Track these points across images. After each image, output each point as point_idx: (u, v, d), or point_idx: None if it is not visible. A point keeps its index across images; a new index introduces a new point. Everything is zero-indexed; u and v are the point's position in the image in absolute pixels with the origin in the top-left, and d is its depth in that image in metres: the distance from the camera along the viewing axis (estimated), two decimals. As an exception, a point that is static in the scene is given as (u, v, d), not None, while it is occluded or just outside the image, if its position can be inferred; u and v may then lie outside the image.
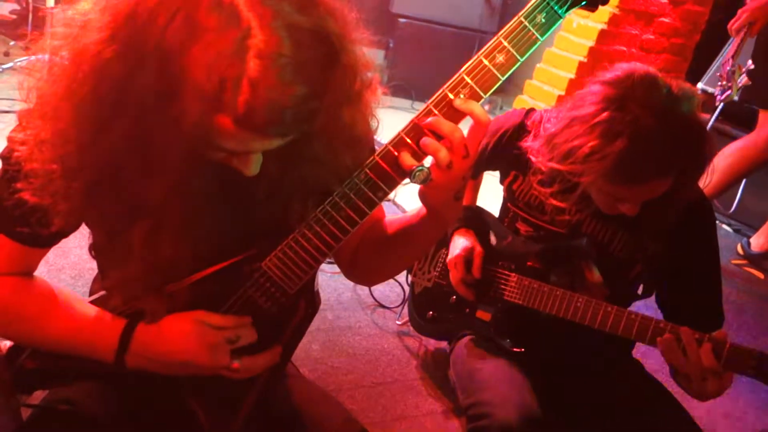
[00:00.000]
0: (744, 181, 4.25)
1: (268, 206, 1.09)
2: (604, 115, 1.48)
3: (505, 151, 1.87)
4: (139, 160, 0.89)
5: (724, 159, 3.54)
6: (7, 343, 1.24)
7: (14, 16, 5.34)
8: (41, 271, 1.19)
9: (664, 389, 1.78)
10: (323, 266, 2.81)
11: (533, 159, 1.67)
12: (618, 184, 1.53)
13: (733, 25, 3.40)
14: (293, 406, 1.34)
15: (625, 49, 5.01)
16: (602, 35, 4.86)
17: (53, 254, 2.43)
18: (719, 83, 3.57)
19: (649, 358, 1.99)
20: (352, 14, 0.97)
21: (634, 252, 1.73)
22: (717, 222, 4.29)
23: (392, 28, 5.68)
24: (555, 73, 5.04)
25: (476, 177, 2.17)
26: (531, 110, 1.86)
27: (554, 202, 1.70)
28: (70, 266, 2.46)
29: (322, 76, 0.88)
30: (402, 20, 5.63)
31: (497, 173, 2.01)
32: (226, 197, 1.05)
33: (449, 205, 1.10)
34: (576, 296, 1.68)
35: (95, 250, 1.12)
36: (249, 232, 1.12)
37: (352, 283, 2.79)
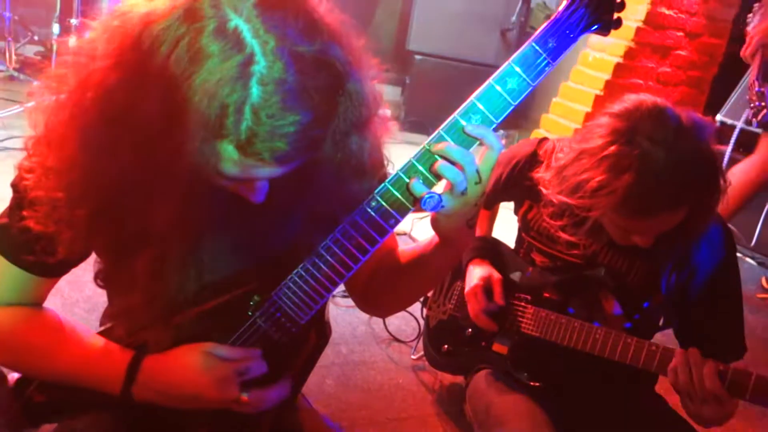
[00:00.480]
0: (765, 214, 4.20)
1: (275, 235, 1.08)
2: (612, 148, 1.45)
3: (518, 180, 1.85)
4: (144, 186, 0.89)
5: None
6: (15, 376, 1.23)
7: (39, 57, 5.46)
8: (55, 304, 1.19)
9: (688, 424, 1.72)
10: (338, 299, 2.84)
11: (543, 191, 1.65)
12: (628, 218, 1.51)
13: (746, 51, 3.38)
14: (303, 440, 1.32)
15: (641, 82, 5.00)
16: (618, 68, 4.86)
17: (68, 287, 2.45)
18: (750, 105, 3.50)
19: (673, 394, 1.93)
20: (359, 42, 0.96)
21: (652, 281, 1.69)
22: (740, 255, 4.28)
23: (409, 65, 5.74)
24: (571, 107, 5.04)
25: (491, 207, 2.15)
26: (544, 140, 1.85)
27: (564, 235, 1.67)
28: (84, 300, 2.46)
29: (326, 103, 0.88)
30: (418, 57, 5.67)
31: (512, 204, 1.99)
32: (233, 226, 1.04)
33: (462, 232, 1.08)
34: (594, 328, 1.64)
35: (101, 278, 1.11)
36: (257, 261, 1.11)
37: (366, 317, 2.77)
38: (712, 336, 1.65)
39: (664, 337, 1.73)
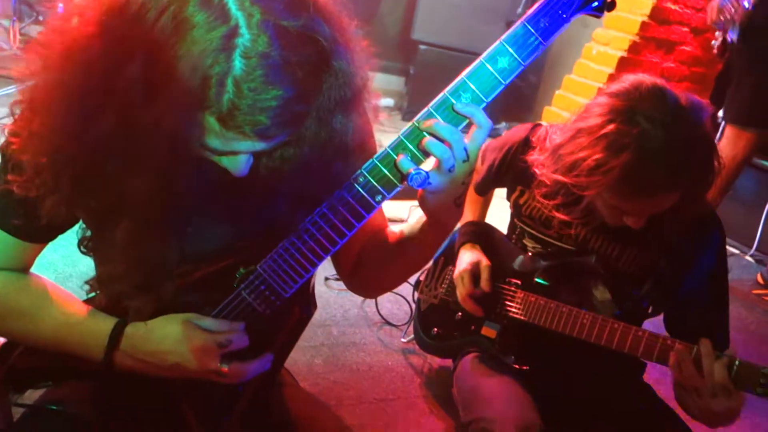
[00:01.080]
0: (765, 214, 4.22)
1: (259, 210, 1.08)
2: (610, 127, 1.45)
3: (511, 166, 1.85)
4: (125, 154, 0.89)
5: None
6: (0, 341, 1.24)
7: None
8: (48, 278, 1.19)
9: (674, 414, 1.73)
10: (331, 282, 2.85)
11: (537, 172, 1.64)
12: (623, 198, 1.51)
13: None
14: (288, 414, 1.32)
15: (645, 77, 4.98)
16: (622, 62, 4.84)
17: (61, 262, 2.45)
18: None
19: (662, 385, 1.94)
20: (351, 23, 0.96)
21: (643, 268, 1.69)
22: (739, 252, 4.27)
23: (413, 55, 5.71)
24: (574, 100, 5.03)
25: (485, 194, 2.15)
26: (537, 125, 1.84)
27: (558, 215, 1.67)
28: (77, 275, 2.46)
29: (309, 79, 0.87)
30: (422, 47, 5.65)
31: (504, 191, 1.99)
32: (217, 199, 1.04)
33: (449, 211, 1.08)
34: (582, 313, 1.64)
35: (84, 245, 1.12)
36: (242, 234, 1.11)
37: (359, 301, 2.78)
38: (696, 323, 1.65)
39: (651, 325, 1.73)
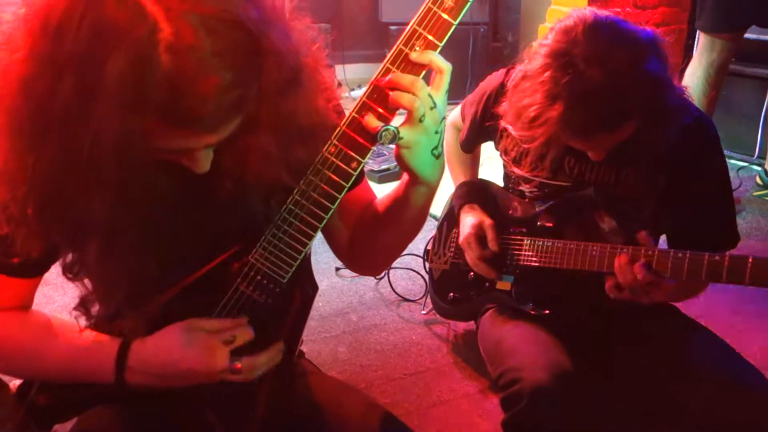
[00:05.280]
0: (761, 122, 4.24)
1: (233, 206, 1.07)
2: (546, 75, 1.46)
3: (492, 115, 1.82)
4: (76, 174, 0.87)
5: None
6: (17, 382, 1.23)
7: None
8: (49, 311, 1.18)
9: (702, 327, 1.71)
10: (342, 272, 2.84)
11: (502, 123, 1.64)
12: (571, 139, 1.53)
13: None
14: (312, 400, 1.31)
15: (619, 10, 4.90)
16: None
17: (58, 293, 2.44)
18: None
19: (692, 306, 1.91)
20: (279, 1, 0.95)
21: (644, 187, 1.66)
22: (746, 163, 4.25)
23: (385, 37, 5.66)
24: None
25: (472, 150, 2.12)
26: (511, 68, 1.80)
27: (528, 174, 1.70)
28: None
29: (242, 64, 0.85)
30: (393, 27, 5.59)
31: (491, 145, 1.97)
32: (188, 201, 1.02)
33: (429, 163, 1.06)
34: (590, 245, 1.62)
35: (64, 272, 1.10)
36: (224, 233, 1.10)
37: (373, 283, 2.78)
38: (702, 232, 1.63)
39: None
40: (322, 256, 2.81)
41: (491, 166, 2.33)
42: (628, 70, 1.41)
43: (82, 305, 1.06)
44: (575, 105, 1.42)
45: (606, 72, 1.40)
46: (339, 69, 5.66)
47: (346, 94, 5.17)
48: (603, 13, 1.49)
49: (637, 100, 1.44)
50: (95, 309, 1.07)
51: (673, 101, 1.49)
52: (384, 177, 3.78)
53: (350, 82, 5.48)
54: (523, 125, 1.51)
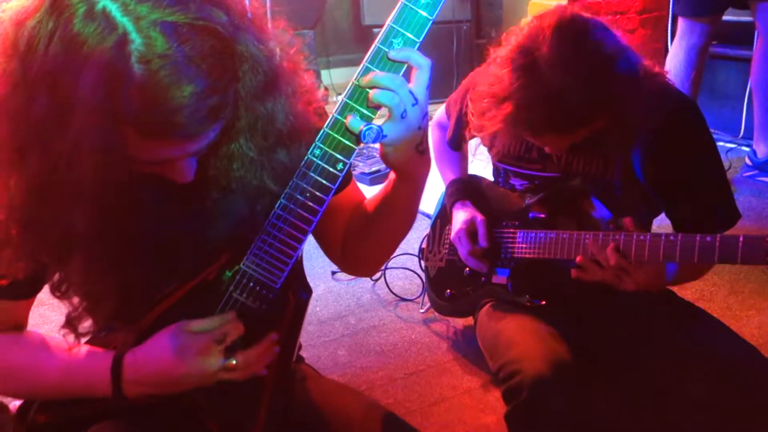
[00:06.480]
0: (746, 102, 4.27)
1: (219, 214, 1.07)
2: (505, 71, 1.49)
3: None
4: (57, 191, 0.87)
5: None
6: (17, 403, 1.23)
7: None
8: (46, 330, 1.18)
9: (699, 309, 1.71)
10: (338, 276, 2.83)
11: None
12: (523, 133, 1.59)
13: None
14: (313, 404, 1.31)
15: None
16: (574, -8, 4.78)
17: (55, 312, 2.42)
18: None
19: (682, 287, 1.92)
20: (252, 4, 0.95)
21: (633, 172, 1.66)
22: (734, 144, 4.28)
23: (369, 40, 5.64)
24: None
25: (460, 148, 2.12)
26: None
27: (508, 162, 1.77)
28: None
29: (217, 70, 0.85)
30: (376, 30, 5.58)
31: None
32: (174, 212, 1.02)
33: (414, 159, 1.07)
34: (583, 234, 1.62)
35: (52, 290, 1.10)
36: (210, 242, 1.10)
37: (369, 285, 2.78)
38: (701, 212, 1.62)
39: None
40: (317, 260, 2.81)
41: (481, 160, 2.33)
42: (584, 81, 1.43)
43: (69, 324, 1.05)
44: (523, 108, 1.47)
45: (560, 79, 1.43)
46: (325, 74, 5.68)
47: (334, 98, 5.18)
48: (581, 16, 1.50)
49: (588, 109, 1.47)
50: (83, 326, 1.06)
51: (648, 93, 1.49)
52: (375, 179, 3.78)
53: (336, 86, 5.49)
54: (477, 113, 1.57)
